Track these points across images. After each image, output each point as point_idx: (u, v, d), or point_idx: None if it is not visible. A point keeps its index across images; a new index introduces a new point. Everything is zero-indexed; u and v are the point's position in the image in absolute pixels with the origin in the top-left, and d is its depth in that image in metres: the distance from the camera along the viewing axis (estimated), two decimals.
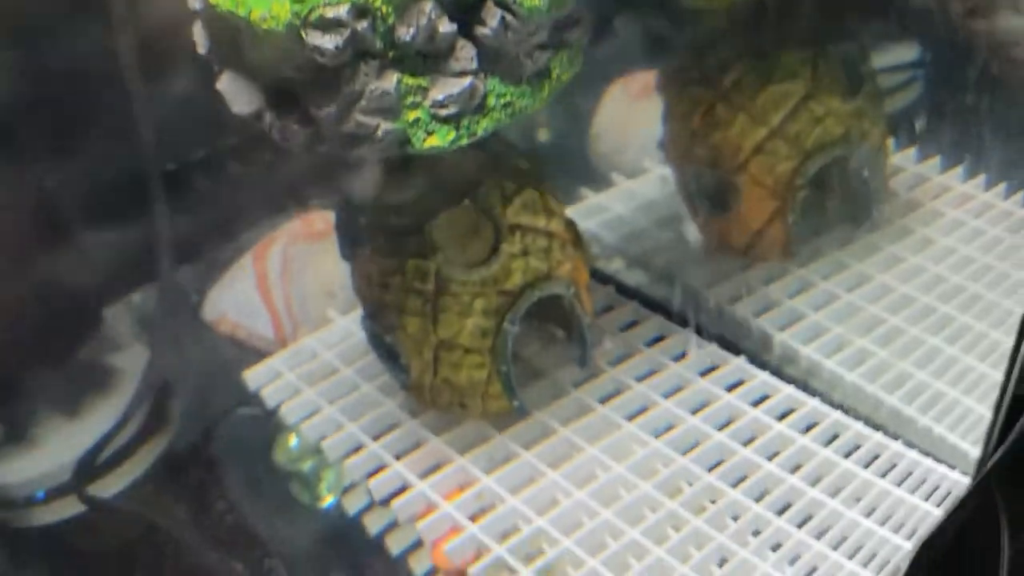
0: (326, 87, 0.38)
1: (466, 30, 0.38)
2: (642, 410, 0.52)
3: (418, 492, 0.49)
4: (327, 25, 0.35)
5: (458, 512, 0.48)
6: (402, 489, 0.49)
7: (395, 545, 0.49)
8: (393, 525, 0.49)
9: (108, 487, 0.52)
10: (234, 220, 0.63)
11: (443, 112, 0.39)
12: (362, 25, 0.36)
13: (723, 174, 0.52)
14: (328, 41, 0.36)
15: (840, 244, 0.57)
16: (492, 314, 0.47)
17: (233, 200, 0.63)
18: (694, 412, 0.51)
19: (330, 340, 0.58)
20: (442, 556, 0.47)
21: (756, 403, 0.51)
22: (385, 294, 0.48)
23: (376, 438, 0.51)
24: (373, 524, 0.50)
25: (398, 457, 0.50)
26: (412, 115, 0.39)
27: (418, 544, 0.48)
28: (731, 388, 0.52)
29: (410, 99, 0.39)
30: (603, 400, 0.52)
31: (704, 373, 0.53)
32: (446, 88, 0.38)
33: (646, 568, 0.44)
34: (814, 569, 0.44)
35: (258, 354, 0.58)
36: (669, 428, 0.51)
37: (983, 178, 0.59)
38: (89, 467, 0.52)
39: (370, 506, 0.50)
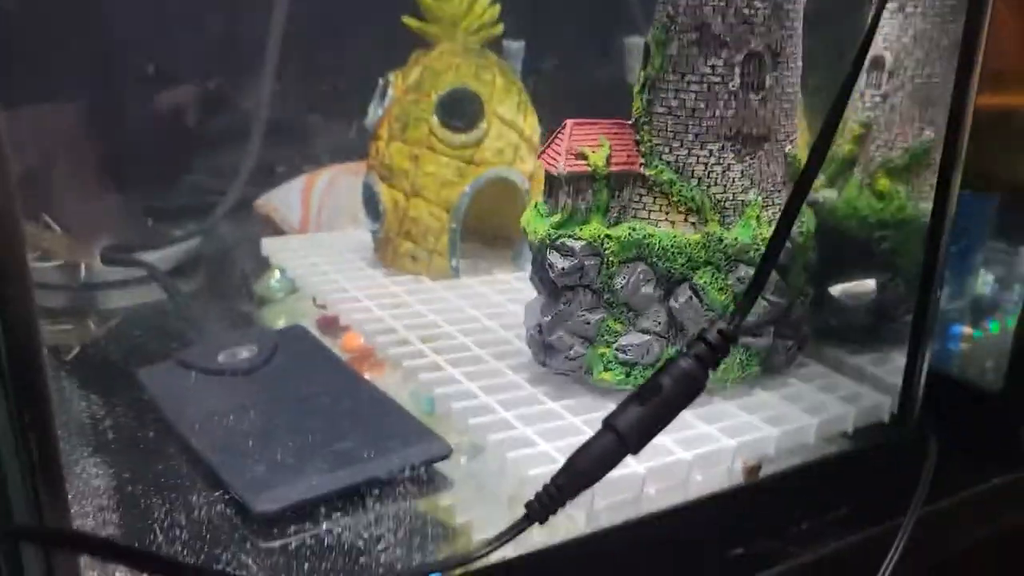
0: (553, 300, 0.46)
1: (665, 300, 0.46)
2: None
3: (351, 295, 0.60)
4: (563, 250, 0.44)
5: (375, 307, 0.58)
6: (344, 297, 0.60)
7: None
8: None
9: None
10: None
11: (622, 356, 0.45)
12: (590, 261, 0.44)
13: None
14: (560, 261, 0.44)
15: None
16: (459, 177, 0.62)
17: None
18: None
19: (337, 237, 0.72)
20: (349, 339, 0.57)
21: None
22: (385, 146, 0.63)
23: (341, 274, 0.64)
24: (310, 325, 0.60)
25: (352, 286, 0.62)
26: (601, 350, 0.46)
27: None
28: None
29: (605, 336, 0.45)
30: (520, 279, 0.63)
31: None
32: (631, 339, 0.45)
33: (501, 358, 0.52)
34: None
35: (281, 235, 0.73)
36: None
37: None
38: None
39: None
